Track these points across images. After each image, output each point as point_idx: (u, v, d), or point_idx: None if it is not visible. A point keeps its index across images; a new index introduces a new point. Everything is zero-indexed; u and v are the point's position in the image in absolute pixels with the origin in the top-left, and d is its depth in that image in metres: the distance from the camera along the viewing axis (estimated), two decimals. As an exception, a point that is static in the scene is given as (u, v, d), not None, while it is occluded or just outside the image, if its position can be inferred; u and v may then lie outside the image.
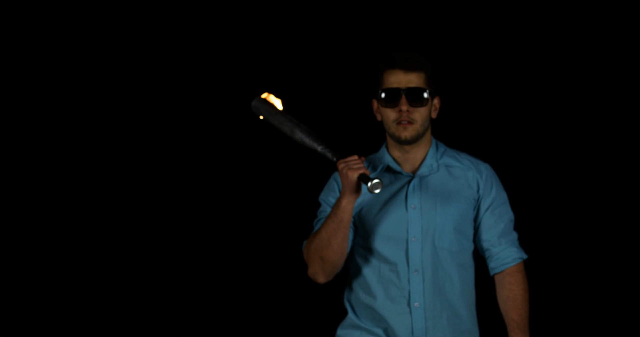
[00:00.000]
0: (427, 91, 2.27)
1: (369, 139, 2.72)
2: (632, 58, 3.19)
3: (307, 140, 2.20)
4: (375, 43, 3.30)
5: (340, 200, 2.15)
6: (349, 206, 2.15)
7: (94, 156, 3.25)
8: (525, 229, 2.52)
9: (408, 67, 2.26)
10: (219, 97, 3.26)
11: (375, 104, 2.37)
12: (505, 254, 2.36)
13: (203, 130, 3.31)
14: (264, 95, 2.33)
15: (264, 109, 2.30)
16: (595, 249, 3.27)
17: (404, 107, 2.24)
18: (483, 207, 2.35)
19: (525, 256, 2.39)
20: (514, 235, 2.40)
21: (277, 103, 2.32)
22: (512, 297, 2.33)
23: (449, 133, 2.60)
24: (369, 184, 2.06)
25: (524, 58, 3.32)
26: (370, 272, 2.30)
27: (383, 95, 2.28)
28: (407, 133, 2.27)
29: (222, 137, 3.32)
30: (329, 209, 2.34)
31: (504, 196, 2.40)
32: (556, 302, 3.26)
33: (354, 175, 2.09)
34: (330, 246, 2.18)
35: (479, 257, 2.44)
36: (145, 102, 3.29)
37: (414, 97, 2.25)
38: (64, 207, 3.24)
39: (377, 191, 2.06)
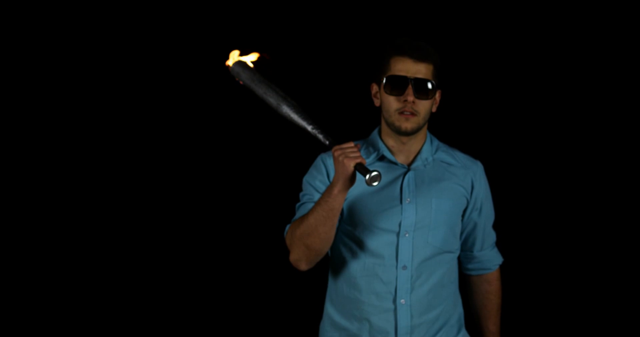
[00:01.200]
0: (434, 84, 2.19)
1: (356, 122, 2.63)
2: (630, 49, 3.17)
3: (296, 117, 2.06)
4: (370, 25, 3.20)
5: (332, 188, 2.04)
6: (341, 195, 2.04)
7: (87, 155, 3.18)
8: (516, 229, 2.51)
9: (419, 57, 2.16)
10: (210, 84, 3.16)
11: (374, 88, 2.27)
12: (486, 258, 2.36)
13: (195, 125, 3.25)
14: (238, 55, 2.17)
15: (245, 74, 2.12)
16: (587, 249, 3.28)
17: (410, 98, 2.15)
18: (474, 208, 2.31)
19: (502, 260, 2.40)
20: (494, 237, 2.40)
21: (251, 58, 2.15)
22: (489, 307, 2.37)
23: (440, 127, 2.53)
24: (367, 176, 1.95)
25: (519, 53, 3.26)
26: (354, 264, 2.22)
27: (389, 81, 2.18)
28: (408, 124, 2.18)
29: (214, 131, 3.25)
30: (315, 194, 2.24)
31: (490, 196, 2.37)
32: (540, 305, 3.30)
33: (350, 164, 1.98)
34: (317, 234, 2.08)
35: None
36: (141, 100, 3.22)
37: (420, 88, 2.16)
38: (59, 208, 3.18)
39: (375, 184, 1.95)
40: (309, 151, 2.38)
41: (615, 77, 3.19)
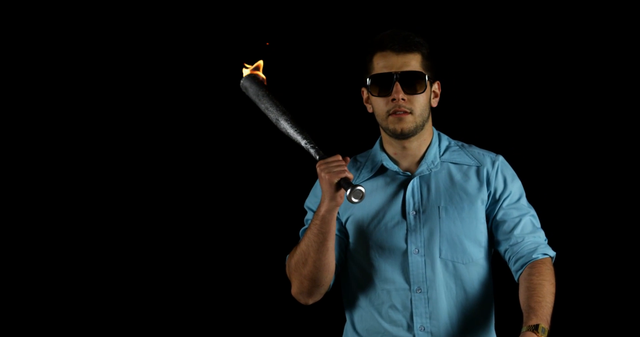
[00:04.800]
0: (425, 75, 1.92)
1: (365, 135, 2.42)
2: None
3: (292, 132, 1.91)
4: (368, 21, 3.05)
5: (319, 210, 1.83)
6: (330, 215, 1.83)
7: (84, 156, 3.17)
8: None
9: (401, 48, 1.92)
10: (207, 89, 3.12)
11: (364, 93, 2.03)
12: (529, 250, 1.93)
13: (195, 127, 3.20)
14: (252, 69, 2.05)
15: (252, 89, 2.02)
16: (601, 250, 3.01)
17: (399, 95, 1.90)
18: (497, 204, 1.97)
19: (553, 253, 1.97)
20: (540, 233, 1.99)
21: (260, 77, 2.04)
22: (531, 287, 1.85)
23: (454, 123, 2.26)
24: (348, 192, 1.75)
25: (535, 34, 3.04)
26: (364, 292, 1.97)
27: (373, 82, 1.94)
28: (403, 125, 1.92)
29: (218, 135, 3.19)
30: None
31: (521, 190, 2.02)
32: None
33: (333, 179, 1.77)
34: (312, 261, 1.86)
35: (500, 267, 2.06)
36: (137, 100, 3.19)
37: (409, 82, 1.91)
38: (58, 208, 3.16)
39: (356, 201, 1.75)
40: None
41: (617, 71, 2.98)
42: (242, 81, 2.03)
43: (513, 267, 1.95)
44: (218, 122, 3.17)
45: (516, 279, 1.94)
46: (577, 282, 2.97)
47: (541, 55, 3.03)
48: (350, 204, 1.96)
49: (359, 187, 1.74)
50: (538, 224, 2.00)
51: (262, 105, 1.96)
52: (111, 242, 3.16)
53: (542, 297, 1.82)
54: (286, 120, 1.90)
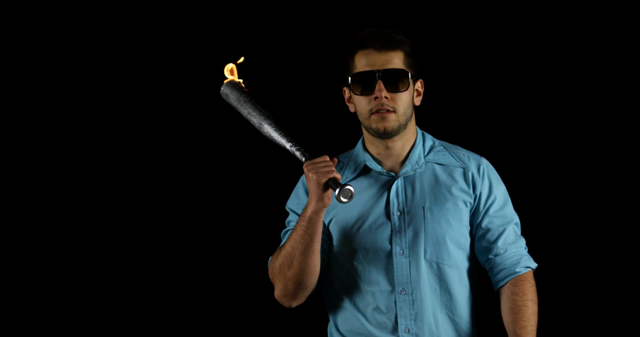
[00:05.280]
0: (408, 73, 1.89)
1: (347, 135, 2.39)
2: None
3: (275, 136, 1.88)
4: (347, 20, 2.99)
5: (306, 211, 1.81)
6: (317, 216, 1.80)
7: (84, 157, 3.14)
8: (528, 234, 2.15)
9: (382, 46, 1.89)
10: (196, 91, 3.07)
11: (346, 92, 1.99)
12: (511, 262, 1.96)
13: (181, 129, 3.16)
14: (231, 74, 2.03)
15: (232, 95, 2.00)
16: (590, 250, 2.96)
17: (381, 93, 1.87)
18: (481, 211, 1.96)
19: (534, 265, 2.00)
20: (522, 242, 2.01)
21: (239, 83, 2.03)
22: (515, 308, 1.90)
23: (437, 122, 2.23)
24: (337, 191, 1.73)
25: (523, 31, 3.00)
26: (348, 294, 1.94)
27: (355, 80, 1.91)
28: (386, 123, 1.89)
29: (204, 138, 3.15)
30: (295, 220, 1.97)
31: (505, 196, 2.01)
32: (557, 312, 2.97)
33: (321, 180, 1.75)
34: (297, 264, 1.83)
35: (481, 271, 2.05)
36: (137, 103, 3.15)
37: (392, 80, 1.88)
38: (55, 209, 3.12)
39: (345, 200, 1.74)
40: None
41: (617, 69, 2.94)
42: (222, 89, 2.01)
43: (494, 278, 1.97)
44: (203, 125, 3.13)
45: (496, 288, 1.97)
46: (566, 284, 2.93)
47: (530, 53, 2.99)
48: (333, 205, 1.94)
49: (348, 187, 1.73)
50: (519, 231, 2.01)
51: (244, 111, 1.93)
52: (98, 242, 3.12)
53: (527, 321, 1.88)
54: (270, 124, 1.88)
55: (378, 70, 1.87)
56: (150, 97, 3.12)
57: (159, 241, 3.14)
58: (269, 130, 1.87)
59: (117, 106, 3.12)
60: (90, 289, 3.11)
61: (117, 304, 3.11)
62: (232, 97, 1.96)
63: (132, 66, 3.10)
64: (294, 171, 2.13)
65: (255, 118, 1.90)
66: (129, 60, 3.10)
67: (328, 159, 1.79)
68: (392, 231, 1.89)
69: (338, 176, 1.76)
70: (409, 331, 1.87)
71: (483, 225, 1.95)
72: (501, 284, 1.95)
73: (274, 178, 2.83)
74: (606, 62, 2.94)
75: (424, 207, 1.90)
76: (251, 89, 2.04)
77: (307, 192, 1.99)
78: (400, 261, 1.88)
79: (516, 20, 2.98)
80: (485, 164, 2.00)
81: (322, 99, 2.98)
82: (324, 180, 1.74)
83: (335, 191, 1.73)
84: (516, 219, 2.01)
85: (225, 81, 2.01)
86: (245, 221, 3.11)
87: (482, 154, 2.06)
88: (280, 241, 2.02)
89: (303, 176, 2.03)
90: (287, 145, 1.85)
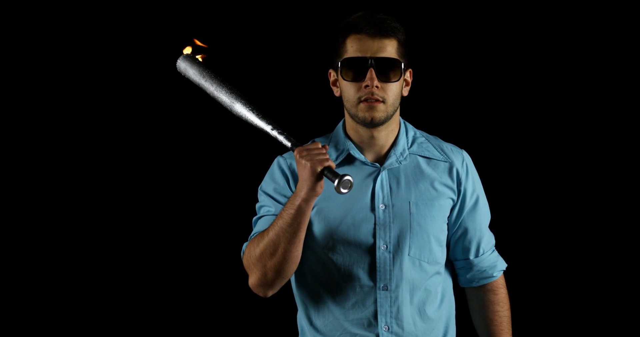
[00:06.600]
0: (401, 63, 1.83)
1: (317, 117, 2.33)
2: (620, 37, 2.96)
3: (252, 117, 1.79)
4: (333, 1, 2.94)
5: (296, 198, 1.73)
6: (307, 205, 1.73)
7: (83, 156, 3.12)
8: (509, 229, 2.15)
9: (377, 32, 1.82)
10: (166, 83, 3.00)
11: (332, 75, 1.92)
12: (487, 264, 1.98)
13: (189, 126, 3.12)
14: (188, 49, 1.92)
15: (192, 70, 1.88)
16: (585, 249, 3.02)
17: (373, 82, 1.80)
18: (465, 208, 1.95)
19: (505, 266, 2.03)
20: (493, 239, 2.03)
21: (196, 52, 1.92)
22: (497, 321, 1.99)
23: (414, 111, 2.19)
24: (336, 182, 1.65)
25: (510, 24, 2.99)
26: (324, 287, 1.89)
27: (345, 65, 1.83)
28: (374, 113, 1.83)
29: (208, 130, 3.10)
30: (273, 205, 1.91)
31: (481, 191, 2.00)
32: (538, 310, 3.04)
33: (317, 168, 1.68)
34: (282, 253, 1.76)
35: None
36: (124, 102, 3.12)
37: (384, 69, 1.82)
38: (52, 209, 3.10)
39: (345, 191, 1.66)
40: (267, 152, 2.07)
41: (611, 67, 2.97)
42: (178, 62, 1.89)
43: (466, 276, 1.99)
44: (189, 120, 3.09)
45: (465, 285, 2.01)
46: (539, 282, 3.00)
47: (516, 46, 2.99)
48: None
49: (348, 177, 1.66)
50: (487, 225, 2.02)
51: (211, 88, 1.83)
52: (95, 241, 3.10)
53: (509, 334, 2.00)
54: (243, 103, 1.80)
55: (371, 58, 1.80)
56: (147, 97, 3.07)
57: (147, 237, 3.11)
58: (243, 110, 1.79)
59: (114, 106, 3.07)
60: (88, 289, 3.10)
61: (112, 300, 3.09)
62: (191, 72, 1.86)
63: (122, 64, 3.03)
64: (266, 155, 2.06)
65: (224, 96, 1.81)
66: (123, 59, 3.03)
67: (320, 145, 1.72)
68: (375, 224, 1.85)
69: (333, 164, 1.70)
70: (388, 328, 1.84)
71: (464, 224, 1.95)
72: (474, 284, 1.99)
73: (246, 165, 2.78)
74: (594, 54, 2.95)
75: (409, 202, 1.87)
76: (217, 68, 1.92)
77: (285, 177, 1.92)
78: (383, 256, 1.84)
79: (504, 11, 2.96)
80: (467, 158, 1.98)
81: (293, 81, 2.94)
82: (319, 168, 1.67)
83: (333, 181, 1.65)
84: (488, 212, 2.01)
85: (182, 54, 1.90)
86: (224, 212, 3.07)
87: (460, 145, 2.04)
88: (252, 227, 1.94)
89: (279, 158, 1.96)
90: (267, 128, 1.77)
